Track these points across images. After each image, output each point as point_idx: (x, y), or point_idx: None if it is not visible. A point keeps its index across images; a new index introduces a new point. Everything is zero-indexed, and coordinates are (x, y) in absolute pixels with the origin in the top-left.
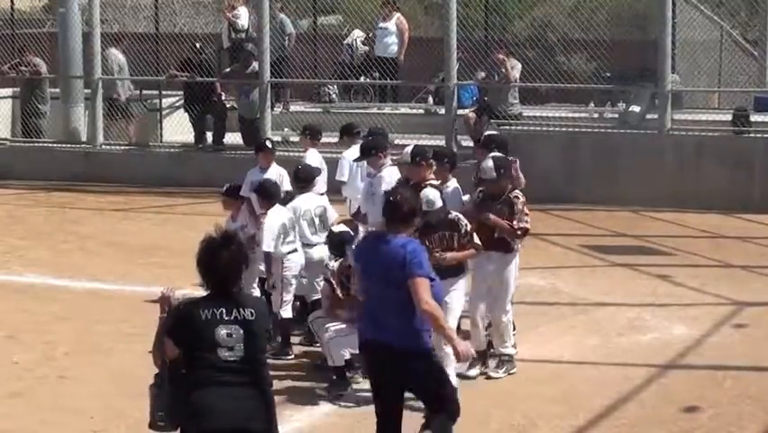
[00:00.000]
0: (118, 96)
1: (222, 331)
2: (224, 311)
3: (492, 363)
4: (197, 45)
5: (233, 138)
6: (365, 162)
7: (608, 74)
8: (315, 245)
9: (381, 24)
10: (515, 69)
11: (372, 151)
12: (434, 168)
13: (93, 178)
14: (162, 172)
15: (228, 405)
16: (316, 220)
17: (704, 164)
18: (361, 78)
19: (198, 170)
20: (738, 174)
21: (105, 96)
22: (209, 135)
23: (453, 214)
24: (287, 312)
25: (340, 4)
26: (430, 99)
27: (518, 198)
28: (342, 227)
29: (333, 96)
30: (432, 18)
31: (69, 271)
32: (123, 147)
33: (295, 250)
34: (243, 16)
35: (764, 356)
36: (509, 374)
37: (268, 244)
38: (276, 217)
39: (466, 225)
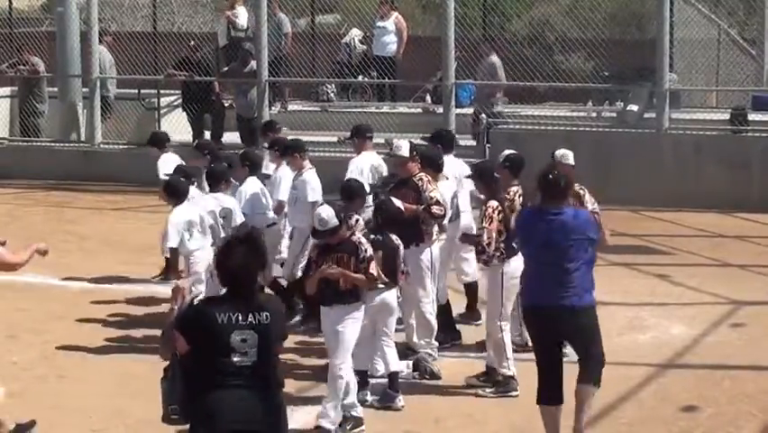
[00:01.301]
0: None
1: (237, 337)
2: (240, 316)
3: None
4: (191, 43)
5: (232, 137)
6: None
7: (606, 73)
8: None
9: (379, 23)
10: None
11: (290, 150)
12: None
13: (91, 177)
14: None
15: (238, 409)
16: (220, 221)
17: (702, 163)
18: (359, 78)
19: None
20: (736, 173)
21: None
22: (207, 134)
23: (356, 237)
24: None
25: (338, 2)
26: (428, 98)
27: (487, 208)
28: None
29: (332, 95)
30: (430, 17)
31: (68, 270)
32: (121, 146)
33: (200, 249)
34: (243, 15)
35: (762, 356)
36: (506, 396)
37: (172, 240)
38: (180, 214)
39: (366, 250)
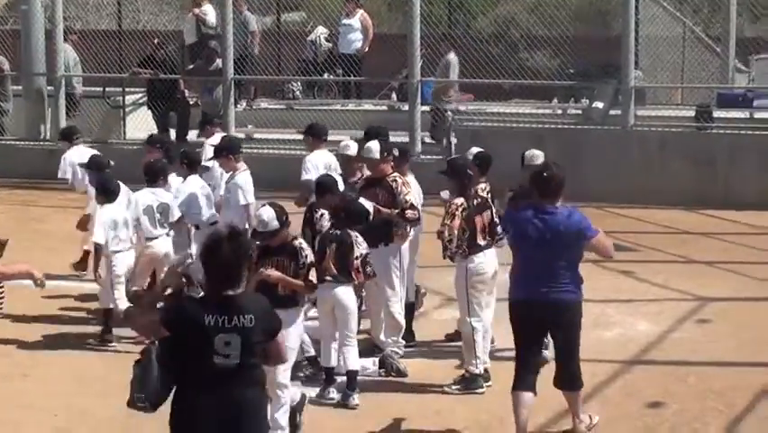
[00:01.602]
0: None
1: (221, 340)
2: (226, 319)
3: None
4: (155, 41)
5: (197, 135)
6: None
7: (572, 70)
8: (158, 238)
9: (345, 21)
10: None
11: (224, 152)
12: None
13: (56, 175)
14: (126, 169)
15: (217, 410)
16: (157, 216)
17: (667, 160)
18: (325, 75)
19: None
20: (701, 170)
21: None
22: (172, 132)
23: (298, 241)
24: (123, 304)
25: (303, 0)
26: (393, 96)
27: (451, 205)
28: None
29: (297, 92)
30: (395, 14)
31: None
32: (86, 144)
33: (120, 252)
34: (211, 13)
35: (727, 352)
36: (472, 393)
37: (99, 236)
38: (109, 213)
39: (306, 256)
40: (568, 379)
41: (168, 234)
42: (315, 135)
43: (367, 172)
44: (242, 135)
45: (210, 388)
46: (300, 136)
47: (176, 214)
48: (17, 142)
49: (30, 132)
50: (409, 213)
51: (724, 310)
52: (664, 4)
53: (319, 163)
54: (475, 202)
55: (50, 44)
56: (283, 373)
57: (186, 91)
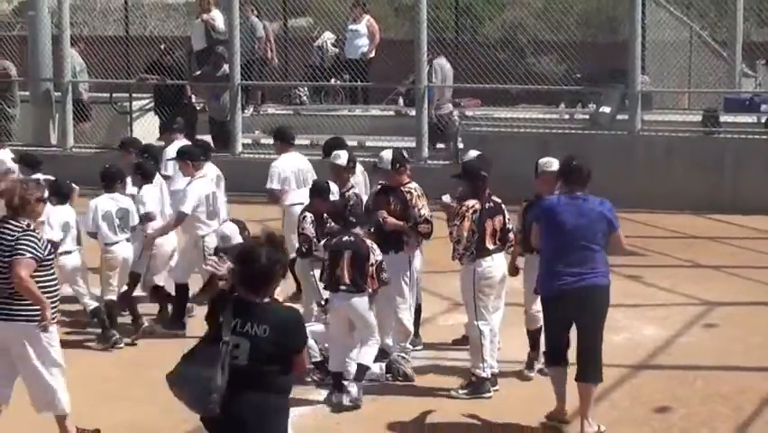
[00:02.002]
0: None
1: (232, 341)
2: (239, 322)
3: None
4: (162, 47)
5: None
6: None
7: (579, 75)
8: (117, 243)
9: (351, 26)
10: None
11: (184, 156)
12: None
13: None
14: None
15: (231, 409)
16: (117, 221)
17: (674, 165)
18: (332, 81)
19: None
20: (708, 175)
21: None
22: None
23: None
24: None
25: (310, 6)
26: (400, 101)
27: (462, 206)
28: (230, 225)
29: (304, 98)
30: (402, 20)
31: None
32: (93, 150)
33: (69, 252)
34: (219, 19)
35: (735, 356)
36: (479, 397)
37: (56, 234)
38: (61, 214)
39: None
40: (589, 370)
41: (127, 240)
42: (284, 140)
43: (356, 182)
44: (248, 141)
45: (230, 386)
46: (307, 141)
47: (136, 219)
48: (24, 148)
49: (37, 137)
50: (423, 227)
51: (731, 315)
52: (671, 8)
53: (286, 169)
54: (487, 206)
55: (57, 50)
56: None
57: (193, 97)
